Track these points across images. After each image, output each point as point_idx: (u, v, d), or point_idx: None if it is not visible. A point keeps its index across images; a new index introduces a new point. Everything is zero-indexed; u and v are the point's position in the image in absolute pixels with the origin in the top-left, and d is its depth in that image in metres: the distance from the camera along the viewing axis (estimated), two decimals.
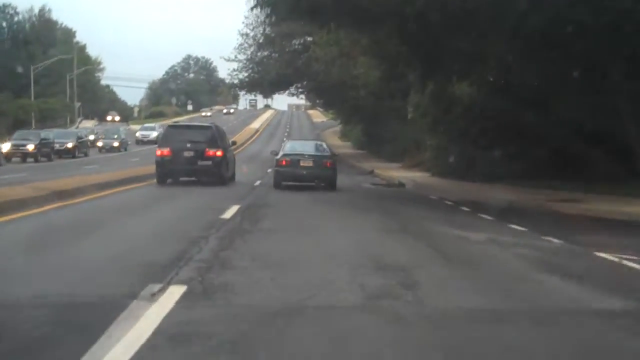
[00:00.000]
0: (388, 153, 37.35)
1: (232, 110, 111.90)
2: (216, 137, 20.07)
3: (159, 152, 19.52)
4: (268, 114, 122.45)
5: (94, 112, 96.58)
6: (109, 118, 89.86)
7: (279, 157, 19.69)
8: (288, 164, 19.17)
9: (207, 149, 19.35)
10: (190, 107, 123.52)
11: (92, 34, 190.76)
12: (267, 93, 49.21)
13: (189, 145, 19.37)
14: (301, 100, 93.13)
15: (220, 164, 19.48)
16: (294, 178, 19.30)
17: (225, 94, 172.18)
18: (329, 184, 19.24)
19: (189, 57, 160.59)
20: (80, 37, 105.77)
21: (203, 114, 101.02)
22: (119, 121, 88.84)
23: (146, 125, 63.66)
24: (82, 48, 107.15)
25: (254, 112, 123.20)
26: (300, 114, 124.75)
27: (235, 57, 44.70)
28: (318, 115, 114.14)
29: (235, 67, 44.84)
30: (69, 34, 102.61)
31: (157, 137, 53.46)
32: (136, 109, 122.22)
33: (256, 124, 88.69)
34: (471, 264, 7.92)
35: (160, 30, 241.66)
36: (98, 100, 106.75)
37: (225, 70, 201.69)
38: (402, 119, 33.55)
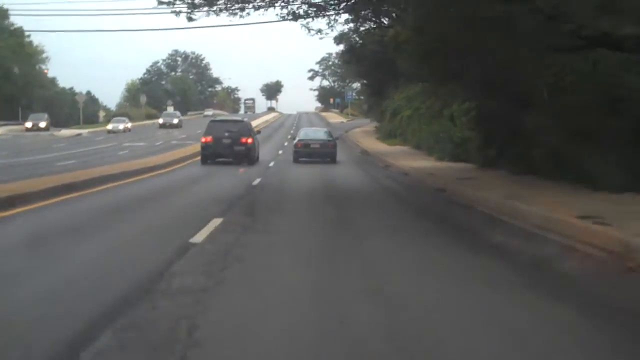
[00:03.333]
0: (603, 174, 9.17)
1: (175, 121, 65.07)
2: (247, 128, 26.25)
3: (203, 140, 25.24)
4: (270, 116, 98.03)
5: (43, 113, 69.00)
6: (28, 124, 58.57)
7: (295, 141, 28.31)
8: (302, 146, 27.47)
9: (241, 137, 25.12)
10: (170, 109, 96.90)
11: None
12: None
13: (226, 134, 25.00)
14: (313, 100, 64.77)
15: (251, 149, 25.43)
16: (306, 155, 27.07)
17: (223, 96, 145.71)
18: (330, 159, 26.78)
19: (175, 52, 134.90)
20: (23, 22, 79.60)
21: (109, 127, 59.08)
22: (45, 127, 58.64)
23: None
24: (19, 33, 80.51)
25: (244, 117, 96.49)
26: (311, 115, 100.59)
27: None
28: (334, 117, 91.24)
29: None
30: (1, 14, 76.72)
31: None
32: (101, 113, 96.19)
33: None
34: None
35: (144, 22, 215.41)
36: (45, 99, 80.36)
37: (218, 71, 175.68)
38: None
